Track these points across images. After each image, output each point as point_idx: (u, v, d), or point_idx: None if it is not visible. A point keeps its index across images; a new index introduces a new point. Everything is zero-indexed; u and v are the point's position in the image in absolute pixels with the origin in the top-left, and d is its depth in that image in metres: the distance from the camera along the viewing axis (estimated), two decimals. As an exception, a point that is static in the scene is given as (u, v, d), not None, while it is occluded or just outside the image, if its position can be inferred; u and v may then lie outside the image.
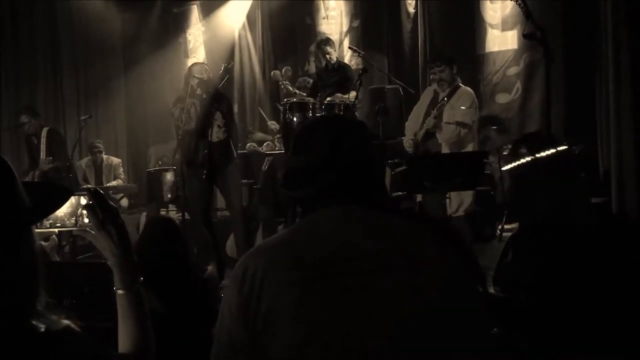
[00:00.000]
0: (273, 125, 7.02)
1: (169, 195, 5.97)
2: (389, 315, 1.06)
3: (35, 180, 5.65)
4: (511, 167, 3.25)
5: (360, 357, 1.05)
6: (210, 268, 4.24)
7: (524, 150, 3.00)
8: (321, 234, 1.15)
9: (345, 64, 6.34)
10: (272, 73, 6.88)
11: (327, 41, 5.99)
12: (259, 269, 1.11)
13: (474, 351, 1.11)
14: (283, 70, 6.57)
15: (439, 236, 1.18)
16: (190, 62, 7.94)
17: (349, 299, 1.07)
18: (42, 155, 5.83)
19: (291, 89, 6.30)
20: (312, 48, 6.16)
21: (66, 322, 1.02)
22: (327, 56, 5.90)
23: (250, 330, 1.08)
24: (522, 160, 2.95)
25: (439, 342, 1.07)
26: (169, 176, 6.26)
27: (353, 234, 1.14)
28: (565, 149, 3.08)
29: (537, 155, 2.84)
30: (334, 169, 1.18)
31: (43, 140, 5.86)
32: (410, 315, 1.06)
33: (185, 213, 4.70)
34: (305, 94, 6.16)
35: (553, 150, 2.91)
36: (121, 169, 6.89)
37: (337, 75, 5.93)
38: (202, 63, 4.91)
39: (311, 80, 6.48)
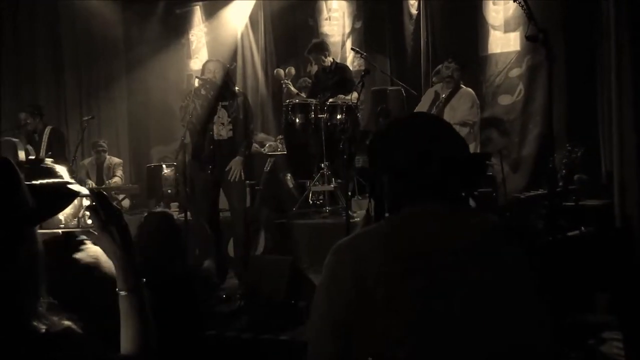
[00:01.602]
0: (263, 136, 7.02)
1: (169, 191, 5.97)
2: (482, 309, 1.14)
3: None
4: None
5: (459, 340, 1.12)
6: (207, 263, 4.25)
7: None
8: (425, 227, 1.22)
9: (343, 65, 6.34)
10: (275, 71, 6.88)
11: (317, 47, 5.96)
12: (375, 256, 1.17)
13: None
14: (286, 70, 6.56)
15: (518, 238, 1.28)
16: (192, 63, 7.97)
17: (453, 290, 1.15)
18: (42, 152, 5.85)
19: (292, 89, 6.30)
20: (305, 54, 6.15)
21: (67, 323, 1.02)
22: (320, 62, 5.91)
23: (364, 311, 1.13)
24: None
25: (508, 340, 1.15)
26: (169, 171, 6.27)
27: (453, 229, 1.21)
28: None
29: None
30: (439, 167, 1.24)
31: (45, 138, 5.88)
32: (492, 310, 1.14)
33: (187, 211, 4.69)
34: (304, 95, 6.17)
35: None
36: (120, 169, 6.90)
37: (335, 77, 5.94)
38: (217, 60, 4.86)
39: (310, 81, 6.49)
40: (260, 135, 7.06)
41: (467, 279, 1.16)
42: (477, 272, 1.16)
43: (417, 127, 1.32)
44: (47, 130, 5.98)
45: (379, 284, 1.14)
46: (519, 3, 3.37)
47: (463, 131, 4.46)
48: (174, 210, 6.03)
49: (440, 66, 5.18)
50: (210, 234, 4.64)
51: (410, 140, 1.28)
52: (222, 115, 4.58)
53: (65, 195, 1.10)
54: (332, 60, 6.00)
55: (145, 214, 2.72)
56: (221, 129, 4.58)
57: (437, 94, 4.70)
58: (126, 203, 6.68)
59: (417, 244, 1.19)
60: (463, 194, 1.33)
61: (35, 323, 0.97)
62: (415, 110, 4.95)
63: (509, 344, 1.15)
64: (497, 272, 1.18)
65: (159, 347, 1.21)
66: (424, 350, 1.12)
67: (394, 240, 1.20)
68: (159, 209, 5.77)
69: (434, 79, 5.42)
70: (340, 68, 6.06)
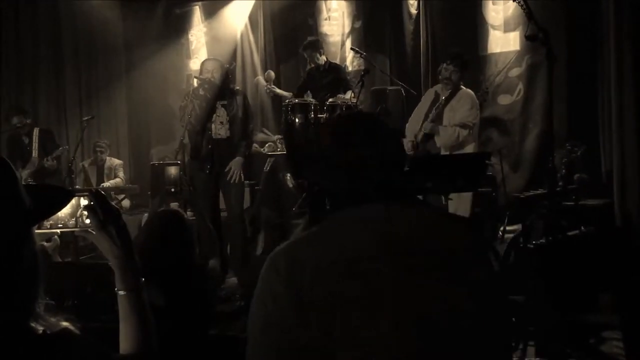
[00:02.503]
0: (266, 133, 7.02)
1: (172, 190, 5.96)
2: (435, 307, 1.10)
3: (28, 178, 5.69)
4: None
5: (407, 346, 1.08)
6: (212, 262, 4.25)
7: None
8: (370, 227, 1.17)
9: (337, 64, 6.34)
10: (255, 80, 6.86)
11: (312, 45, 5.97)
12: (311, 259, 1.11)
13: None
14: (265, 75, 6.55)
15: (473, 232, 1.26)
16: (192, 62, 7.97)
17: (401, 289, 1.10)
18: (34, 154, 5.83)
19: (277, 91, 6.30)
20: (300, 50, 6.15)
21: (65, 324, 1.02)
22: (314, 59, 5.91)
23: (301, 320, 1.08)
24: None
25: (468, 337, 1.11)
26: (173, 170, 6.27)
27: (400, 228, 1.17)
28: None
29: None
30: (382, 167, 1.21)
31: (35, 139, 5.86)
32: (452, 309, 1.11)
33: (191, 209, 4.69)
34: (290, 94, 6.16)
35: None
36: (121, 170, 6.89)
37: (329, 77, 5.94)
38: (215, 59, 4.86)
39: None
40: (260, 135, 7.06)
41: (409, 280, 1.11)
42: (421, 272, 1.12)
43: (354, 129, 1.28)
44: (36, 131, 5.95)
45: (315, 291, 1.08)
46: (519, 2, 3.36)
47: (462, 133, 4.45)
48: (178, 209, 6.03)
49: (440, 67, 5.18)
50: (214, 233, 4.64)
51: (347, 142, 1.24)
52: (221, 114, 4.57)
53: (62, 195, 1.10)
54: (325, 59, 6.00)
55: (145, 214, 2.70)
56: (220, 128, 4.57)
57: (437, 94, 4.69)
58: (126, 203, 6.68)
59: (352, 247, 1.14)
60: (409, 194, 1.29)
61: (32, 324, 0.97)
62: (415, 110, 4.93)
63: (460, 342, 1.11)
64: (443, 270, 1.14)
65: (166, 346, 1.20)
66: (366, 357, 1.07)
67: (328, 244, 1.15)
68: (172, 208, 5.77)
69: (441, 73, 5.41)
70: (333, 68, 6.07)
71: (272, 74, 6.59)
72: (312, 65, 6.10)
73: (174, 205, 6.30)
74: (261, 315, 1.13)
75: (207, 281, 2.70)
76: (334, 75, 5.95)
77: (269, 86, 6.36)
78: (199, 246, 4.85)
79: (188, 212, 4.89)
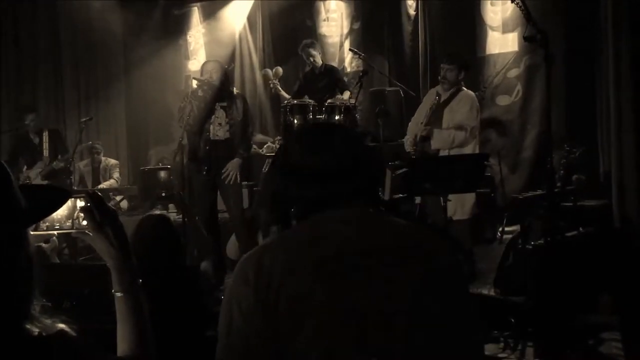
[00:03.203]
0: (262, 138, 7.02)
1: (163, 194, 5.96)
2: (400, 307, 1.12)
3: (39, 178, 5.70)
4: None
5: (374, 341, 1.10)
6: (203, 265, 4.25)
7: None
8: (336, 231, 1.19)
9: (332, 66, 6.35)
10: (262, 72, 6.85)
11: (311, 44, 5.98)
12: (277, 264, 1.13)
13: (463, 352, 1.18)
14: (274, 71, 6.54)
15: (438, 236, 1.28)
16: (190, 64, 7.97)
17: (367, 291, 1.12)
18: (45, 153, 5.85)
19: (279, 89, 6.29)
20: (299, 50, 6.14)
21: (60, 325, 1.01)
22: (311, 59, 5.90)
23: (267, 325, 1.10)
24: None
25: (434, 337, 1.13)
26: (164, 174, 6.27)
27: (366, 232, 1.20)
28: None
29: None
30: (351, 174, 1.24)
31: (45, 139, 5.88)
32: (415, 309, 1.13)
33: (183, 213, 4.68)
34: (289, 97, 6.15)
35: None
36: (117, 170, 6.88)
37: (325, 79, 5.94)
38: (215, 61, 4.85)
39: None
40: (259, 136, 7.05)
41: (375, 282, 1.13)
42: (387, 276, 1.14)
43: (318, 138, 1.30)
44: (46, 132, 5.96)
45: (280, 296, 1.10)
46: (517, 4, 3.36)
47: (458, 136, 4.44)
48: (170, 212, 6.02)
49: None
50: (206, 235, 4.64)
51: (323, 149, 1.26)
52: (219, 115, 4.57)
53: (59, 196, 1.10)
54: (321, 61, 6.00)
55: (142, 217, 2.70)
56: (218, 130, 4.56)
57: (438, 95, 4.70)
58: (124, 204, 6.67)
59: (315, 251, 1.15)
60: (378, 200, 1.32)
61: (28, 326, 0.96)
62: (417, 110, 4.94)
63: (428, 348, 1.12)
64: (409, 275, 1.15)
65: (159, 349, 1.20)
66: None
67: (293, 249, 1.17)
68: (157, 212, 5.76)
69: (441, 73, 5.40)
70: (329, 70, 6.07)
71: (280, 70, 6.58)
72: (308, 69, 6.10)
73: (167, 207, 6.30)
74: (227, 320, 1.15)
75: (199, 283, 2.70)
76: (330, 77, 5.95)
77: (274, 81, 6.34)
78: (191, 248, 4.86)
79: (177, 215, 4.91)
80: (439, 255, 1.22)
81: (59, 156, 5.82)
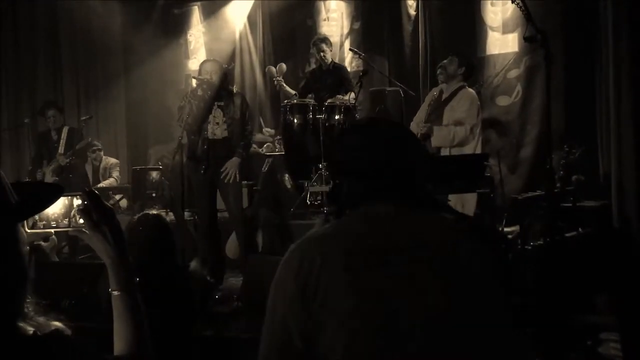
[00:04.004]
0: (267, 132, 7.01)
1: (153, 195, 5.96)
2: (431, 303, 1.14)
3: (51, 173, 5.74)
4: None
5: (403, 339, 1.12)
6: (193, 264, 4.25)
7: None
8: (376, 226, 1.24)
9: (341, 65, 6.34)
10: (266, 69, 6.85)
11: (324, 39, 5.98)
12: (317, 256, 1.18)
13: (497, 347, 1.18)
14: (277, 67, 6.53)
15: (477, 234, 1.31)
16: (190, 63, 7.96)
17: (399, 286, 1.16)
18: (61, 150, 5.88)
19: (284, 85, 6.28)
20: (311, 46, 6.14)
21: (55, 324, 1.01)
22: (322, 54, 5.89)
23: (306, 313, 1.15)
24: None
25: (467, 334, 1.15)
26: (155, 174, 6.26)
27: (403, 228, 1.24)
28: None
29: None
30: (394, 170, 1.28)
31: (64, 136, 5.91)
32: (447, 305, 1.15)
33: (171, 212, 4.69)
34: (295, 93, 6.15)
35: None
36: (117, 170, 6.88)
37: (333, 77, 5.93)
38: (214, 60, 4.85)
39: None
40: (258, 136, 7.05)
41: (417, 277, 1.16)
42: (428, 271, 1.17)
43: (377, 132, 1.35)
44: (65, 129, 6.01)
45: (319, 284, 1.15)
46: (517, 4, 3.36)
47: (458, 133, 4.44)
48: (159, 211, 6.01)
49: None
50: (193, 235, 4.64)
51: (370, 144, 1.31)
52: (217, 115, 4.56)
53: (50, 192, 1.09)
54: (331, 59, 6.00)
55: (138, 215, 2.70)
56: (216, 129, 4.56)
57: (440, 92, 4.71)
58: (124, 203, 6.66)
59: (357, 243, 1.20)
60: (428, 196, 1.35)
61: (21, 324, 0.96)
62: (418, 111, 4.95)
63: (466, 344, 1.13)
64: (453, 271, 1.18)
65: (153, 348, 1.20)
66: (368, 355, 1.11)
67: (336, 240, 1.22)
68: (153, 212, 5.76)
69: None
70: (337, 68, 6.06)
71: (284, 67, 6.57)
72: (315, 65, 6.09)
73: (155, 208, 6.30)
74: (270, 303, 1.22)
75: (190, 282, 2.70)
76: (338, 76, 5.94)
77: (278, 78, 6.33)
78: (181, 249, 4.88)
79: (169, 214, 4.91)
80: (468, 250, 1.23)
81: (69, 152, 5.88)
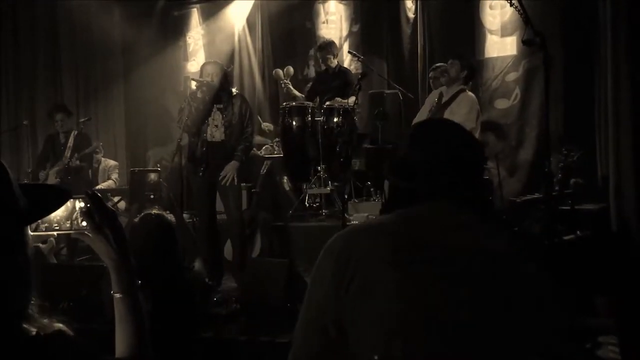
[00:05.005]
0: (267, 127, 7.01)
1: (152, 196, 5.95)
2: (472, 303, 1.14)
3: (55, 175, 5.76)
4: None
5: (442, 336, 1.12)
6: (196, 265, 4.25)
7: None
8: (425, 223, 1.26)
9: (346, 68, 6.34)
10: (274, 72, 6.86)
11: (329, 45, 5.99)
12: (360, 245, 1.20)
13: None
14: (285, 70, 6.53)
15: (523, 240, 1.33)
16: (190, 65, 7.96)
17: (440, 284, 1.16)
18: (67, 153, 5.89)
19: (291, 88, 6.28)
20: (312, 51, 6.14)
21: (58, 325, 1.01)
22: (327, 61, 5.91)
23: (339, 301, 1.17)
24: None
25: (510, 334, 1.15)
26: (153, 176, 6.26)
27: (449, 227, 1.24)
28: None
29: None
30: (451, 169, 1.30)
31: (71, 140, 5.92)
32: (488, 305, 1.15)
33: (171, 214, 4.68)
34: (302, 95, 6.16)
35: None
36: (116, 172, 6.87)
37: (338, 80, 5.94)
38: (215, 62, 4.85)
39: None
40: (257, 138, 7.05)
41: (457, 276, 1.16)
42: (471, 271, 1.17)
43: (430, 133, 1.39)
44: (73, 133, 6.02)
45: (356, 274, 1.16)
46: (516, 7, 3.38)
47: None
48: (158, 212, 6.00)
49: None
50: (194, 236, 4.63)
51: (422, 146, 1.34)
52: (216, 117, 4.56)
53: (58, 195, 1.09)
54: (337, 62, 6.01)
55: (140, 216, 2.70)
56: (214, 131, 4.56)
57: (440, 95, 4.72)
58: (122, 205, 6.66)
59: (399, 238, 1.21)
60: (482, 198, 1.39)
61: (24, 325, 0.96)
62: (418, 114, 4.96)
63: (509, 345, 1.14)
64: (497, 274, 1.18)
65: (155, 349, 1.20)
66: (410, 344, 1.11)
67: (380, 233, 1.24)
68: (155, 211, 5.75)
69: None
70: (343, 72, 6.07)
71: (292, 69, 6.57)
72: (323, 68, 6.10)
73: (155, 209, 6.29)
74: (309, 288, 1.24)
75: (193, 283, 2.71)
76: (343, 79, 5.95)
77: (285, 81, 6.33)
78: (182, 250, 4.88)
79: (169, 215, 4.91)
80: (506, 252, 1.23)
81: (75, 155, 5.90)
